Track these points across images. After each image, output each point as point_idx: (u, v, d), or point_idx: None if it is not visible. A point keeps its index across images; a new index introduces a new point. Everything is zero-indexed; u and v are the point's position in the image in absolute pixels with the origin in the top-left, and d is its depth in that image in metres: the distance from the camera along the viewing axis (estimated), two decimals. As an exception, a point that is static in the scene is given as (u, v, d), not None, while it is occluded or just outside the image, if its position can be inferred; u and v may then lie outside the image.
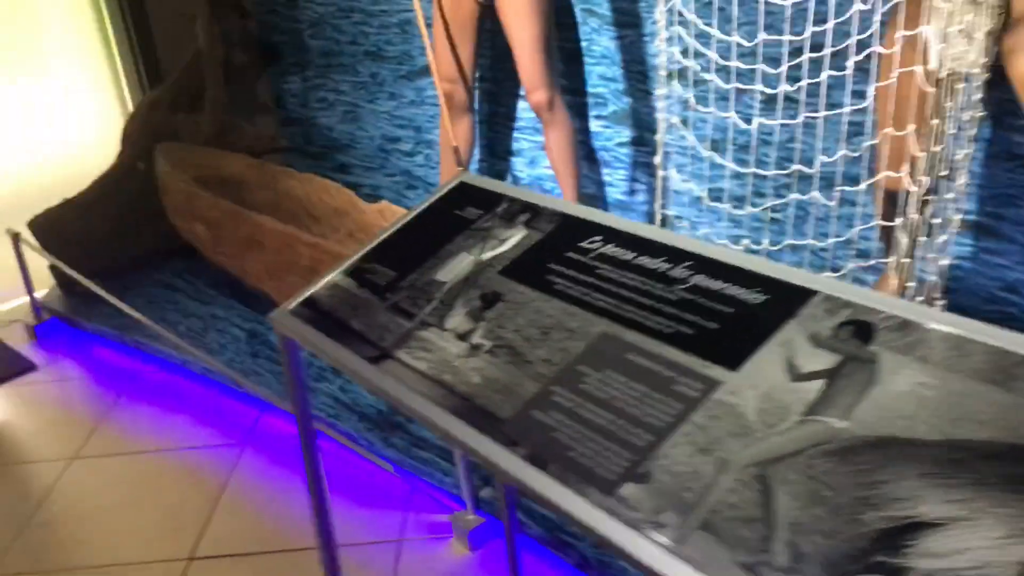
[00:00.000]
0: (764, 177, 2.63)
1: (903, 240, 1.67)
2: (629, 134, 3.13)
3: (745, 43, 2.02)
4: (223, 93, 3.73)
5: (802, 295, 1.04)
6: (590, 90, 3.20)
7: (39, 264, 3.58)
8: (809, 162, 2.30)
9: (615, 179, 3.27)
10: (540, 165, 3.48)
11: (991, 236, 2.44)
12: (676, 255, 1.17)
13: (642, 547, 0.86)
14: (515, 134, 3.53)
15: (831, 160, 2.20)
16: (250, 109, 4.10)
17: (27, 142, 3.94)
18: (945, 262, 1.74)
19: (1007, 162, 2.29)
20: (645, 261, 1.18)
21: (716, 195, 2.81)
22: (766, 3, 2.04)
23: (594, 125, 3.24)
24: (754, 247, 2.68)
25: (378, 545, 2.26)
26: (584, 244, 1.25)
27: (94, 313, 3.47)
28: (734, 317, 1.05)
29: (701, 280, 1.12)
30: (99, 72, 4.14)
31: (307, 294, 1.39)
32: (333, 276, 1.41)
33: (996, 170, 2.35)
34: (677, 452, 0.93)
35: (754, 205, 2.71)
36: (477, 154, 3.63)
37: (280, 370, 2.93)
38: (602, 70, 3.12)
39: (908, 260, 1.66)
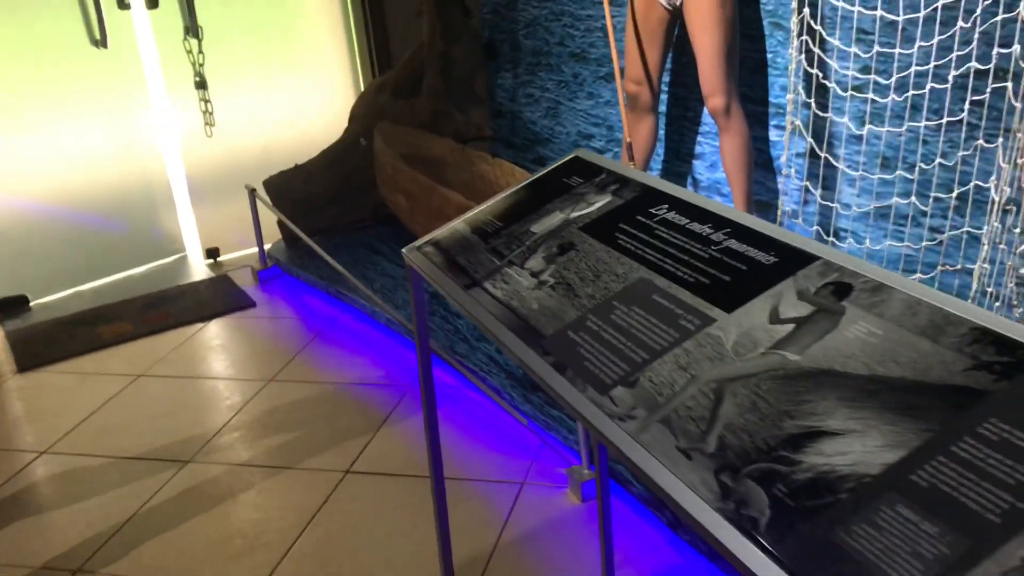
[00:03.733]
0: (936, 199, 2.66)
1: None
2: (805, 146, 3.22)
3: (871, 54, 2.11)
4: (439, 83, 4.14)
5: (805, 259, 1.21)
6: (772, 100, 3.31)
7: (269, 219, 4.15)
8: (976, 187, 2.32)
9: (789, 188, 3.37)
10: (720, 169, 3.62)
11: None
12: (720, 223, 1.36)
13: (613, 431, 1.08)
14: (699, 138, 3.69)
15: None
16: (465, 99, 4.50)
17: (274, 117, 4.57)
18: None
19: None
20: (695, 226, 1.38)
21: (884, 213, 2.86)
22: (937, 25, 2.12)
23: (773, 135, 3.35)
24: (929, 269, 2.69)
25: (503, 484, 2.53)
26: (652, 210, 1.46)
27: (308, 265, 3.99)
28: (746, 273, 1.23)
29: (732, 243, 1.30)
30: (339, 64, 4.71)
31: (433, 236, 1.69)
32: (456, 223, 1.70)
33: None
34: (662, 368, 1.14)
35: (921, 226, 2.74)
36: (662, 155, 3.83)
37: (448, 327, 3.29)
38: (784, 82, 3.23)
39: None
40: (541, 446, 2.68)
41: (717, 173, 3.66)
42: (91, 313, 3.90)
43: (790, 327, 1.11)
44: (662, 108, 3.66)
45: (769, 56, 3.26)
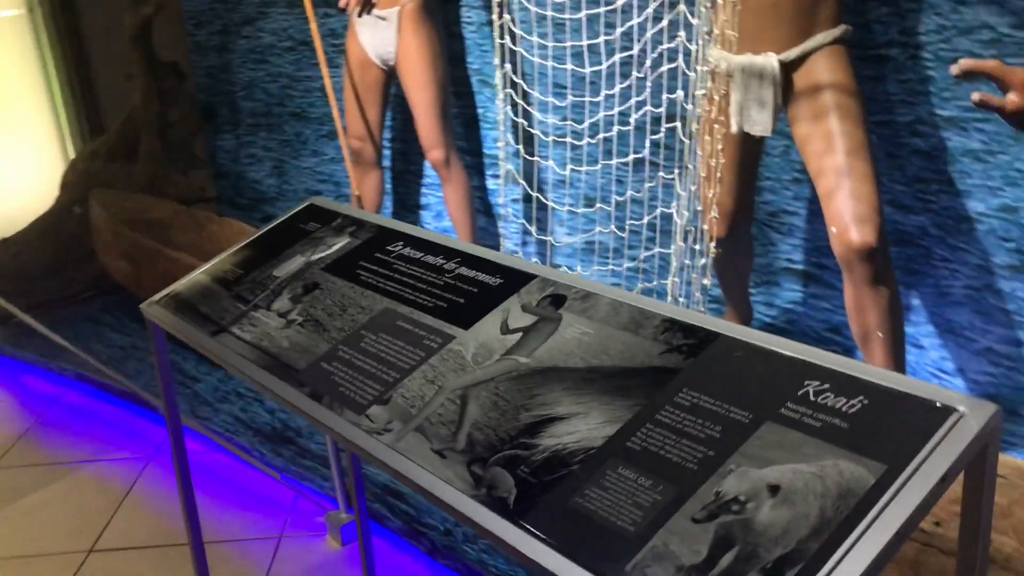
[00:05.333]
0: (634, 232, 2.99)
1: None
2: (520, 192, 3.49)
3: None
4: (157, 146, 4.06)
5: (525, 278, 1.38)
6: (486, 151, 3.56)
7: (-25, 298, 3.84)
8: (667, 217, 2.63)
9: (510, 232, 3.62)
10: (446, 218, 3.82)
11: (817, 283, 2.81)
12: (451, 253, 1.51)
13: (372, 444, 1.17)
14: (423, 190, 3.88)
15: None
16: (184, 162, 4.43)
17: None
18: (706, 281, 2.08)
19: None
20: (429, 258, 1.51)
21: (592, 247, 3.17)
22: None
23: (490, 183, 3.60)
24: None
25: (260, 541, 2.52)
26: (389, 247, 1.58)
27: (25, 343, 3.72)
28: (477, 294, 1.38)
29: (463, 271, 1.45)
30: (43, 131, 4.48)
31: (172, 289, 1.70)
32: (194, 275, 1.72)
33: (818, 225, 2.73)
34: (412, 384, 1.25)
35: (623, 256, 3.06)
36: (390, 207, 3.98)
37: (187, 391, 3.21)
38: (496, 134, 3.50)
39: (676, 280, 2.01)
40: (296, 498, 2.69)
41: (444, 222, 3.86)
42: None
43: (519, 335, 1.27)
44: (387, 163, 3.82)
45: (480, 111, 3.52)
